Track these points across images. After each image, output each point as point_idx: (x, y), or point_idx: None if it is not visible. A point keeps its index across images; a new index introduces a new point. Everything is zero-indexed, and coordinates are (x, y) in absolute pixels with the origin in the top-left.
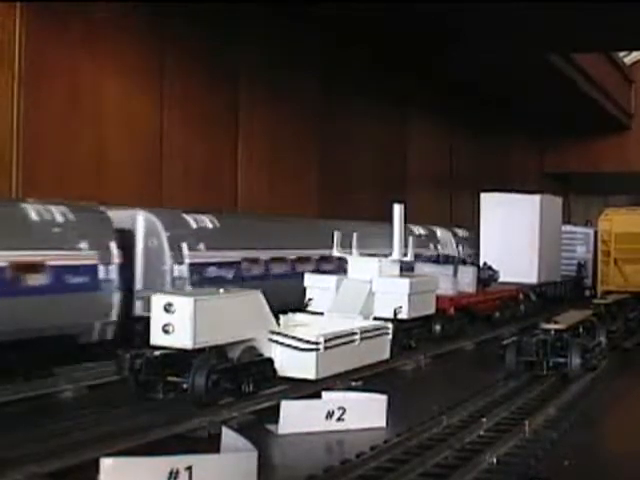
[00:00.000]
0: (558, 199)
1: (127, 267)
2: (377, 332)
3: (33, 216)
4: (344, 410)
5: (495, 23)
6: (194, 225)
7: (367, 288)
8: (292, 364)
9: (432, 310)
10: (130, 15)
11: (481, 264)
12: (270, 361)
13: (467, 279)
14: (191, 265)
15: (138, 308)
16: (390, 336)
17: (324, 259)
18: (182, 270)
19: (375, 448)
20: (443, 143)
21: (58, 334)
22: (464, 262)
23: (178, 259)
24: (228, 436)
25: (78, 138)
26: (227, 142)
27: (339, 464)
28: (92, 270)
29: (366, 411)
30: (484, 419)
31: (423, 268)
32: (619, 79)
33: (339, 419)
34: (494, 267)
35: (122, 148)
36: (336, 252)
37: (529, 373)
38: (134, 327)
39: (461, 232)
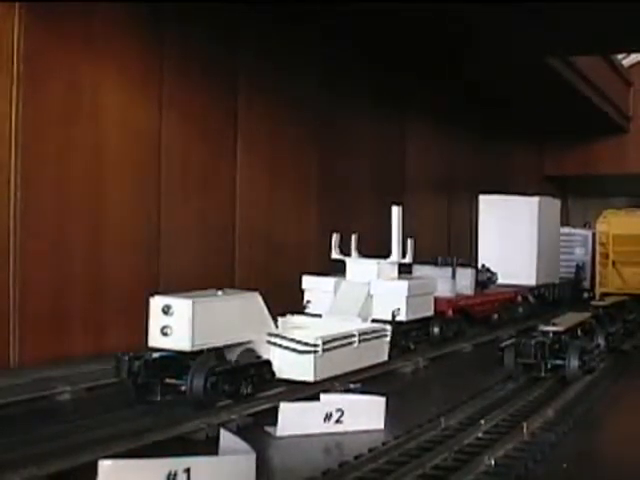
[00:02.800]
0: (557, 201)
1: None
2: (375, 334)
3: None
4: (342, 412)
5: (496, 27)
6: None
7: (365, 290)
8: (290, 366)
9: (430, 312)
10: (129, 17)
11: (479, 266)
12: (268, 363)
13: (465, 281)
14: None
15: None
16: (388, 338)
17: None
18: None
19: (373, 450)
20: (442, 145)
21: None
22: None
23: None
24: (226, 438)
25: (77, 139)
26: (226, 144)
27: (337, 466)
28: None
29: (364, 413)
30: (482, 421)
31: (421, 270)
32: (617, 81)
33: (337, 421)
34: (492, 269)
35: (121, 149)
36: (335, 254)
37: (527, 375)
38: None
39: None
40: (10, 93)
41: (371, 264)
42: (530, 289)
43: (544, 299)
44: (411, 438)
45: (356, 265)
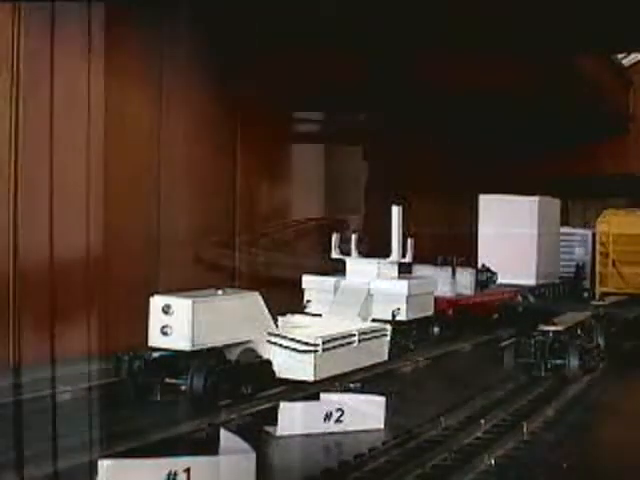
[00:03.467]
0: (556, 201)
1: None
2: (375, 334)
3: None
4: (342, 412)
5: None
6: None
7: (365, 290)
8: (290, 366)
9: (430, 312)
10: (129, 15)
11: (479, 266)
12: (269, 363)
13: (465, 281)
14: None
15: None
16: (388, 338)
17: None
18: None
19: (373, 450)
20: (444, 144)
21: None
22: None
23: None
24: (226, 438)
25: (77, 142)
26: (225, 142)
27: (337, 466)
28: None
29: (364, 413)
30: (482, 421)
31: (421, 270)
32: (617, 81)
33: (337, 421)
34: (492, 269)
35: (120, 150)
36: (334, 254)
37: (527, 375)
38: None
39: None
40: (10, 93)
41: (371, 264)
42: (530, 289)
43: (544, 299)
44: (411, 438)
45: (356, 265)
